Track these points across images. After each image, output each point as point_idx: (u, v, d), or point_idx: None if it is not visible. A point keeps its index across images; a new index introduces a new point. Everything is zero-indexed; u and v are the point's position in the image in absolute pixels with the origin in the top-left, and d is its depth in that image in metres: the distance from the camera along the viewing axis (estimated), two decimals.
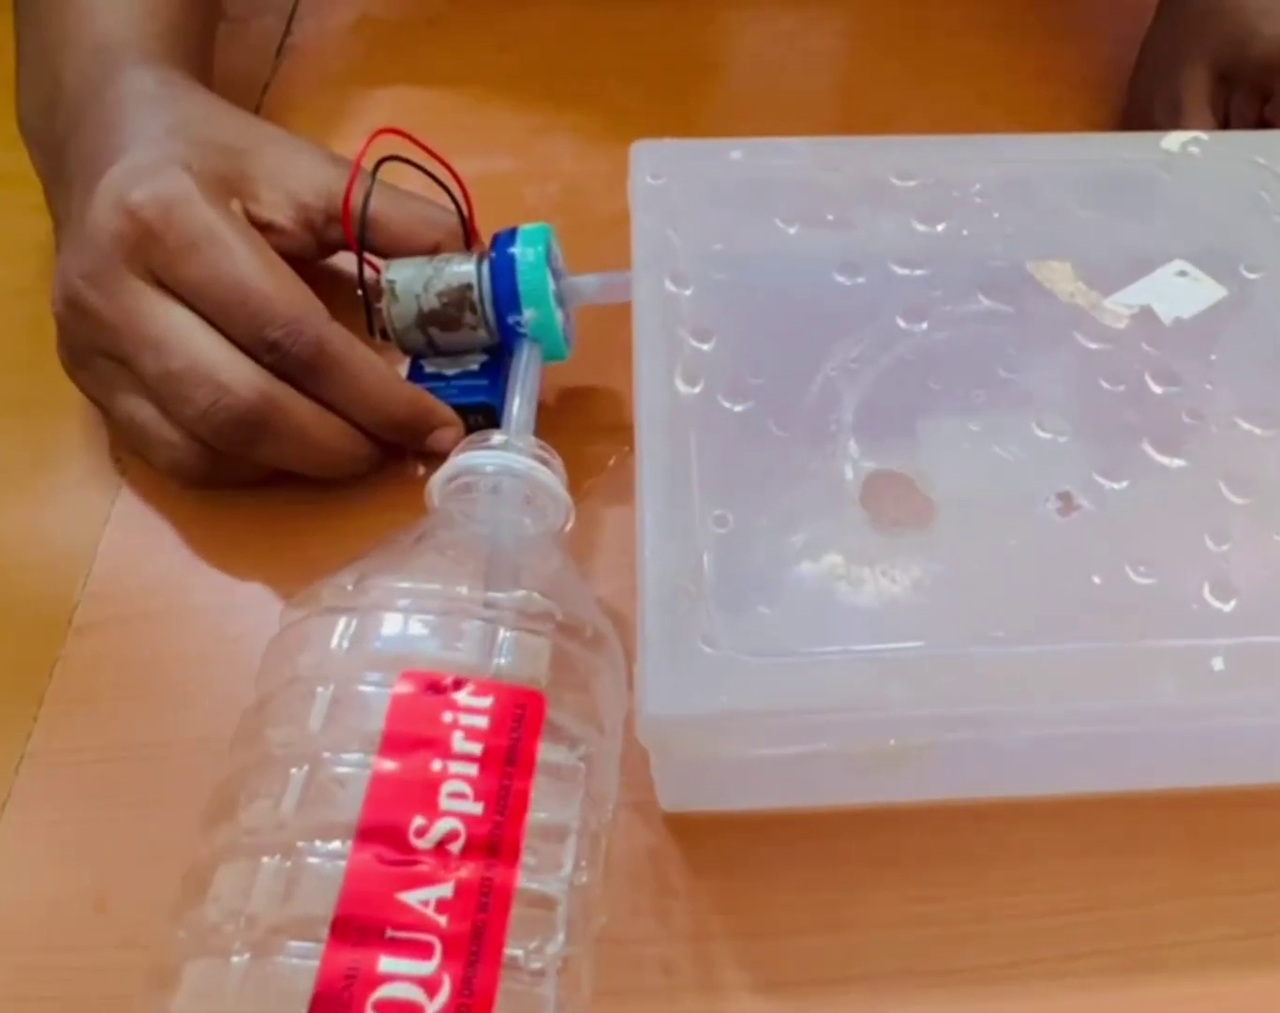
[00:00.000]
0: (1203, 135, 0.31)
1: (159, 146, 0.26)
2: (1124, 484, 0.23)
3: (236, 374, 0.26)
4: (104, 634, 0.27)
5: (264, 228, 0.27)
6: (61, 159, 0.29)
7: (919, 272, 0.28)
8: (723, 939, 0.23)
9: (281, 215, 0.28)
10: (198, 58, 0.33)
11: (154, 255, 0.25)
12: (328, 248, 0.30)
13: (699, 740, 0.20)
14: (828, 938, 0.23)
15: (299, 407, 0.27)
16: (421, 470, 0.30)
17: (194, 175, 0.26)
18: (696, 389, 0.25)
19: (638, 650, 0.21)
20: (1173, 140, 0.31)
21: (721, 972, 0.22)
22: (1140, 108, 0.38)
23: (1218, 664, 0.20)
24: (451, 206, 0.31)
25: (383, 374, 0.28)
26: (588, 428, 0.31)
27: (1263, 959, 0.22)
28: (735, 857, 0.24)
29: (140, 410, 0.27)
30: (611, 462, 0.31)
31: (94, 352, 0.27)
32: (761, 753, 0.21)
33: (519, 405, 0.28)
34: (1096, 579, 0.22)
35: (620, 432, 0.31)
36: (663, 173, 0.30)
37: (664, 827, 0.24)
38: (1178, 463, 0.24)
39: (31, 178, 0.33)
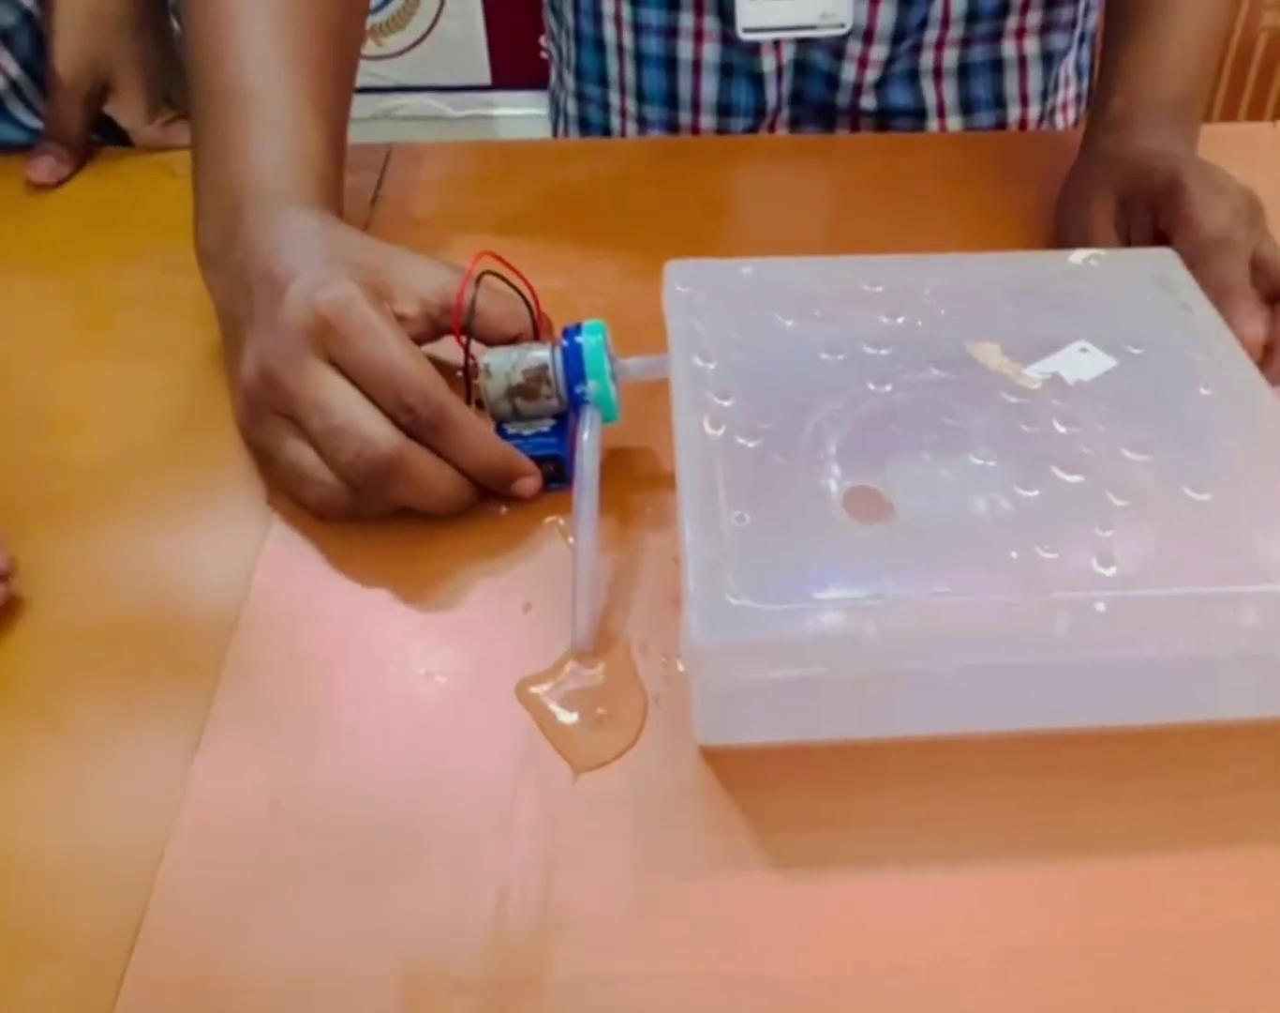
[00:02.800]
0: (1101, 252, 0.41)
1: (328, 267, 0.36)
2: (1035, 493, 0.32)
3: (380, 431, 0.35)
4: (264, 631, 0.36)
5: (400, 320, 0.37)
6: (240, 277, 0.38)
7: (884, 351, 0.37)
8: (744, 833, 0.30)
9: (412, 310, 0.38)
10: (338, 202, 0.43)
11: (329, 342, 0.35)
12: (440, 334, 0.39)
13: (726, 664, 0.28)
14: (830, 832, 0.30)
15: (423, 458, 0.36)
16: (504, 510, 0.39)
17: (356, 285, 0.35)
18: (720, 432, 0.34)
19: (684, 607, 0.29)
20: (1078, 255, 0.41)
21: (743, 855, 0.29)
22: (1062, 231, 0.48)
23: (1100, 607, 0.28)
24: (526, 309, 0.40)
25: (485, 434, 0.37)
26: (632, 477, 0.40)
27: (1134, 841, 0.30)
28: (753, 775, 0.31)
29: (303, 457, 0.36)
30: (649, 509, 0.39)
31: (272, 411, 0.36)
32: (770, 675, 0.29)
33: (588, 458, 0.36)
34: (1014, 555, 0.30)
35: (658, 480, 0.40)
36: (689, 284, 0.39)
37: (699, 756, 0.32)
38: (1076, 478, 0.32)
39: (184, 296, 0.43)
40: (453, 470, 0.37)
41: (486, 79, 1.45)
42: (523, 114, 1.49)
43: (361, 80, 1.30)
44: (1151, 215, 0.44)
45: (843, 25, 0.58)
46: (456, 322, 0.38)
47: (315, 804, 0.31)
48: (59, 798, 0.31)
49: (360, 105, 1.46)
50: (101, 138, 0.58)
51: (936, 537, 0.31)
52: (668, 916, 0.28)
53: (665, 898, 0.29)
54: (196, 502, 0.40)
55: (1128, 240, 0.45)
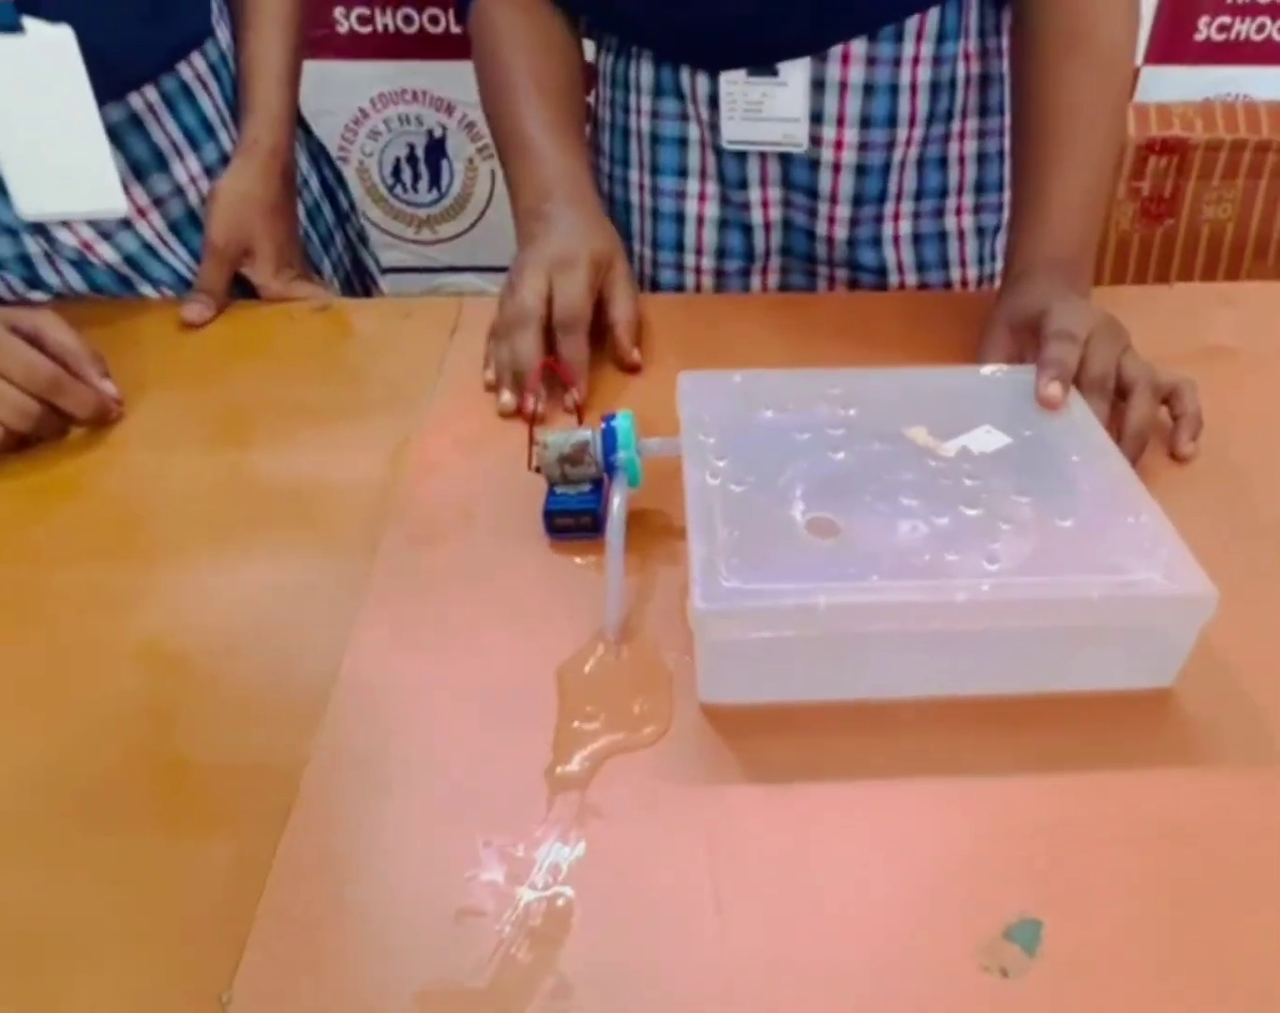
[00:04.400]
0: (1004, 367, 0.55)
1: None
2: (945, 520, 0.44)
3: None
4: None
5: None
6: (539, 214, 0.65)
7: (839, 431, 0.50)
8: (738, 767, 0.41)
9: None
10: (598, 201, 0.69)
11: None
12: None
13: (720, 624, 0.40)
14: (794, 762, 0.41)
15: None
16: (579, 561, 0.51)
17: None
18: (717, 481, 0.46)
19: (690, 590, 0.40)
20: (987, 369, 0.55)
21: (734, 779, 0.40)
22: (981, 354, 0.62)
23: (985, 588, 0.40)
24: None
25: None
26: (648, 528, 0.52)
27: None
28: (739, 724, 0.42)
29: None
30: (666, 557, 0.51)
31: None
32: (751, 636, 0.40)
33: (617, 509, 0.49)
34: (927, 558, 0.42)
35: (668, 531, 0.52)
36: (696, 387, 0.53)
37: (700, 713, 0.43)
38: (975, 512, 0.44)
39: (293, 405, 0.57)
40: None
41: None
42: None
43: (416, 262, 1.55)
44: (1034, 338, 0.58)
45: (800, 145, 0.73)
46: (525, 408, 0.51)
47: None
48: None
49: (414, 282, 1.67)
50: (238, 291, 0.73)
51: (872, 547, 0.43)
52: (673, 812, 0.39)
53: (673, 798, 0.39)
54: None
55: (1020, 358, 0.59)
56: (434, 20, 1.49)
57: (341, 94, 1.51)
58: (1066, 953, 0.34)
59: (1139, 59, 1.55)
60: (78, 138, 0.61)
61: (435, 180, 1.64)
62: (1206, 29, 1.54)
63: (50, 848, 0.39)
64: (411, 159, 1.61)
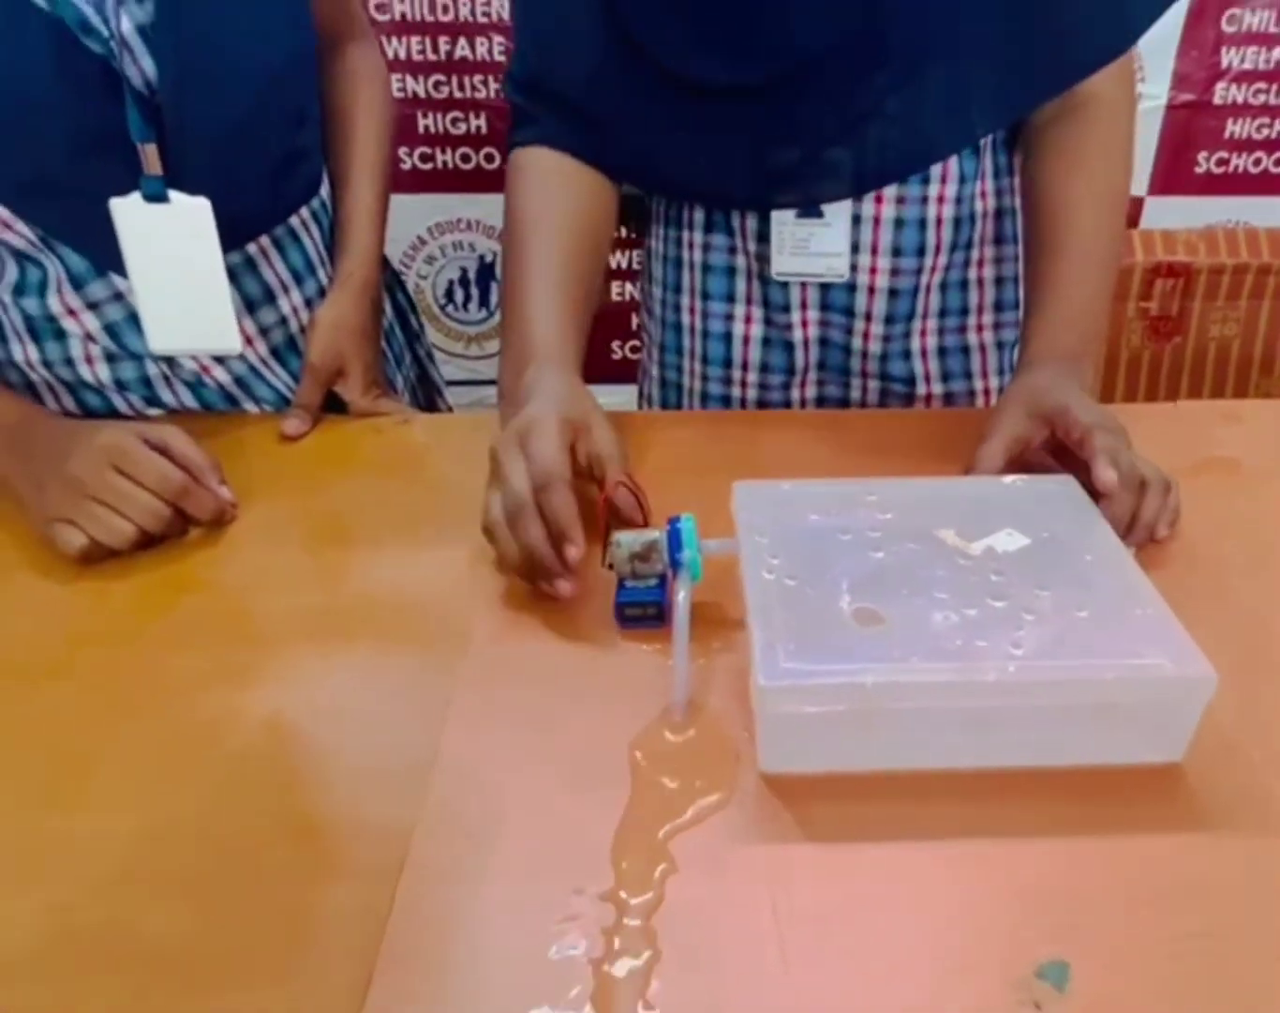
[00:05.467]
0: (1023, 476, 0.61)
1: (549, 405, 0.63)
2: (974, 612, 0.50)
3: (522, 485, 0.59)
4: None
5: (577, 449, 0.63)
6: (515, 398, 0.66)
7: (878, 534, 0.56)
8: (795, 829, 0.46)
9: (591, 450, 0.64)
10: (578, 364, 0.70)
11: (523, 439, 0.60)
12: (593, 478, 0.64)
13: (781, 700, 0.46)
14: (845, 823, 0.46)
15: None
16: (651, 650, 0.57)
17: (556, 417, 0.61)
18: (772, 576, 0.53)
19: (753, 671, 0.46)
20: (1009, 479, 0.61)
21: (792, 839, 0.45)
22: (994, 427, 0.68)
23: (1011, 669, 0.46)
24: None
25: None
26: (708, 619, 0.58)
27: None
28: (800, 791, 0.47)
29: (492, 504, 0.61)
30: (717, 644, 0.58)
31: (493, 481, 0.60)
32: (805, 710, 0.46)
33: (682, 601, 0.55)
34: (959, 642, 0.48)
35: (725, 622, 0.59)
36: (749, 494, 0.60)
37: (760, 781, 0.48)
38: (1001, 604, 0.51)
39: (382, 502, 0.65)
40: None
41: None
42: (601, 401, 1.80)
43: (463, 375, 1.67)
44: (1045, 427, 0.65)
45: (842, 275, 0.82)
46: (602, 512, 0.59)
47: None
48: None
49: (464, 394, 1.78)
50: (330, 406, 0.82)
51: (911, 634, 0.49)
52: (740, 868, 0.44)
53: (739, 856, 0.45)
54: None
55: (1027, 437, 0.66)
56: (489, 158, 1.63)
57: (403, 223, 1.64)
58: (1093, 991, 0.39)
59: (1143, 189, 1.66)
60: (205, 288, 0.71)
61: (484, 301, 1.76)
62: (1206, 162, 1.65)
63: (201, 891, 0.44)
64: (464, 281, 1.74)
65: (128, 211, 0.69)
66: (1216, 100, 1.59)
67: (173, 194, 0.69)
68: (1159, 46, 1.56)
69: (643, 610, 0.58)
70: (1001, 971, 0.40)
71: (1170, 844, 0.45)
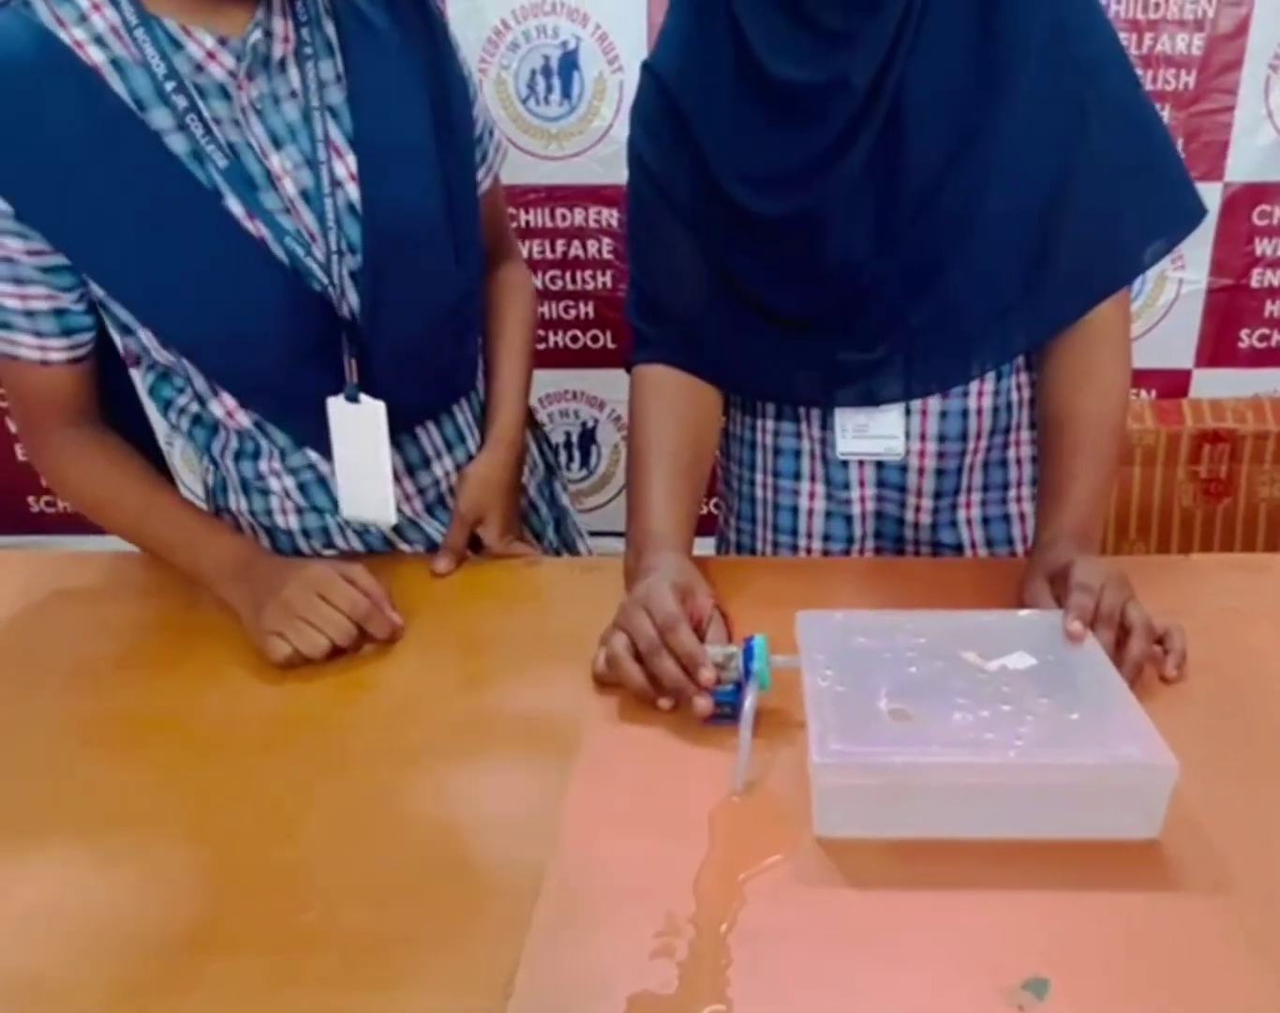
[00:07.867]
0: (1038, 610, 0.75)
1: (663, 578, 0.77)
2: (986, 713, 0.63)
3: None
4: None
5: (688, 603, 0.76)
6: (636, 575, 0.81)
7: (912, 654, 0.71)
8: (835, 874, 0.59)
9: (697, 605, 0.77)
10: (688, 547, 0.86)
11: (642, 605, 0.74)
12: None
13: (831, 774, 0.60)
14: (888, 879, 0.59)
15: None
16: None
17: (669, 584, 0.75)
18: (826, 684, 0.67)
19: (810, 752, 0.61)
20: (1025, 612, 0.75)
21: (840, 885, 0.58)
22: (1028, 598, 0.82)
23: (1012, 754, 0.59)
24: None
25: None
26: (773, 722, 0.73)
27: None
28: (845, 850, 0.60)
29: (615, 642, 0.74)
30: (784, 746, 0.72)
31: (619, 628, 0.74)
32: (850, 782, 0.60)
33: (749, 705, 0.70)
34: (972, 735, 0.61)
35: (788, 724, 0.72)
36: (810, 622, 0.75)
37: (816, 843, 0.61)
38: (1008, 708, 0.64)
39: (517, 633, 0.82)
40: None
41: None
42: None
43: None
44: (1063, 583, 0.78)
45: (898, 454, 0.97)
46: (698, 627, 0.75)
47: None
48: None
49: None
50: (470, 546, 1.00)
51: (934, 729, 0.63)
52: (800, 911, 0.57)
53: (800, 901, 0.58)
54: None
55: (1057, 600, 0.79)
56: (595, 338, 1.87)
57: None
58: (1068, 998, 0.51)
59: (1189, 362, 1.80)
60: (376, 472, 0.92)
61: (585, 461, 1.98)
62: (1248, 338, 1.78)
63: (381, 904, 0.59)
64: (567, 445, 1.96)
65: (336, 409, 0.91)
66: (1254, 284, 1.74)
67: (363, 397, 0.90)
68: (1196, 239, 1.70)
69: (720, 709, 0.72)
70: (995, 983, 0.52)
71: (1140, 899, 0.57)
